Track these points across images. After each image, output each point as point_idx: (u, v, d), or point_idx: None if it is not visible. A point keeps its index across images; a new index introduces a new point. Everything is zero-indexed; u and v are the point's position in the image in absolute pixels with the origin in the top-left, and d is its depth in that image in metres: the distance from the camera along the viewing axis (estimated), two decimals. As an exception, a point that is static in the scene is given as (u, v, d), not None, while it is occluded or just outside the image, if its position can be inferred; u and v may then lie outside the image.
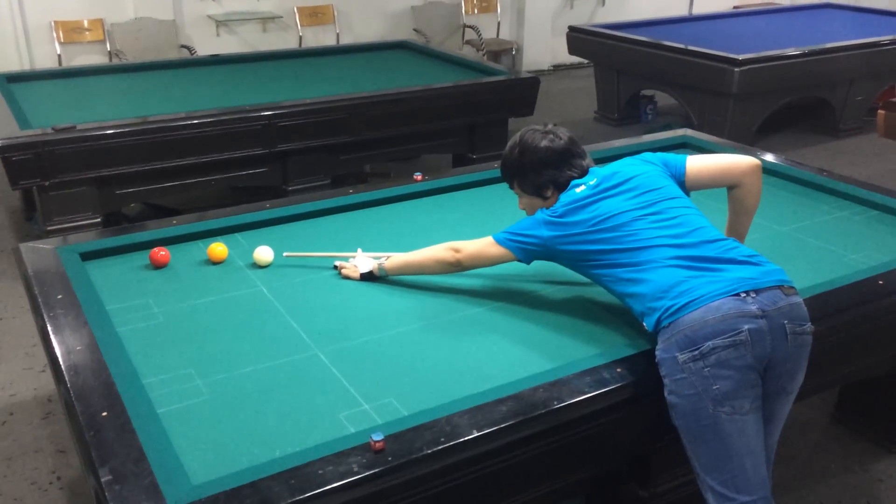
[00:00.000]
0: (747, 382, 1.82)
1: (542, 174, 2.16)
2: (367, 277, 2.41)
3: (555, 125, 2.24)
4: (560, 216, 2.10)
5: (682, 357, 1.83)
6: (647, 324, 1.95)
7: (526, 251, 2.16)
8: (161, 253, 2.52)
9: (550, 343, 2.11)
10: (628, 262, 2.00)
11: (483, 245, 2.23)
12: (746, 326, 1.81)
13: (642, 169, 2.15)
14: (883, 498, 2.67)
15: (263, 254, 2.53)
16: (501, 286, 2.39)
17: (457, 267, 2.29)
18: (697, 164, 2.20)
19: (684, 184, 2.18)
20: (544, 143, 2.17)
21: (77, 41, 6.63)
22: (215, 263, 2.55)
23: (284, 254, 2.54)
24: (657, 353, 1.90)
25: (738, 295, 1.84)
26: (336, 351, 2.07)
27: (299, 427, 1.76)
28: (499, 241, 2.19)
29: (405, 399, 1.85)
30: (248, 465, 1.62)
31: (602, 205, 2.07)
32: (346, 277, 2.43)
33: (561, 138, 2.19)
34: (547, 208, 2.16)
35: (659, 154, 2.25)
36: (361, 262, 2.43)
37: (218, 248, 2.56)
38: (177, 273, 2.50)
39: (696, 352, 1.81)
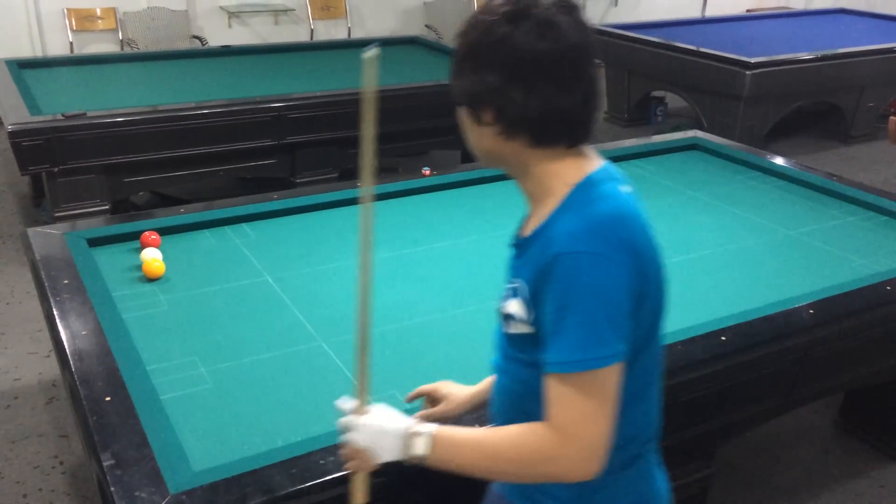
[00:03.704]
0: None
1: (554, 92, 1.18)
2: None
3: None
4: (625, 220, 1.19)
5: None
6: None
7: (617, 332, 1.14)
8: (152, 237, 2.52)
9: (555, 340, 2.10)
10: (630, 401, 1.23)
11: (556, 405, 1.16)
12: None
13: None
14: (885, 505, 2.66)
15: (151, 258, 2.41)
16: (507, 282, 2.39)
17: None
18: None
19: None
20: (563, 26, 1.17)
21: (89, 29, 6.64)
22: (151, 279, 2.37)
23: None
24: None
25: None
26: (340, 342, 2.07)
27: (301, 417, 1.77)
28: (576, 370, 1.13)
29: (409, 392, 1.85)
30: (250, 453, 1.62)
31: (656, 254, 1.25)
32: None
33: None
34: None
35: None
36: None
37: (155, 264, 2.38)
38: (183, 262, 2.50)
39: None
